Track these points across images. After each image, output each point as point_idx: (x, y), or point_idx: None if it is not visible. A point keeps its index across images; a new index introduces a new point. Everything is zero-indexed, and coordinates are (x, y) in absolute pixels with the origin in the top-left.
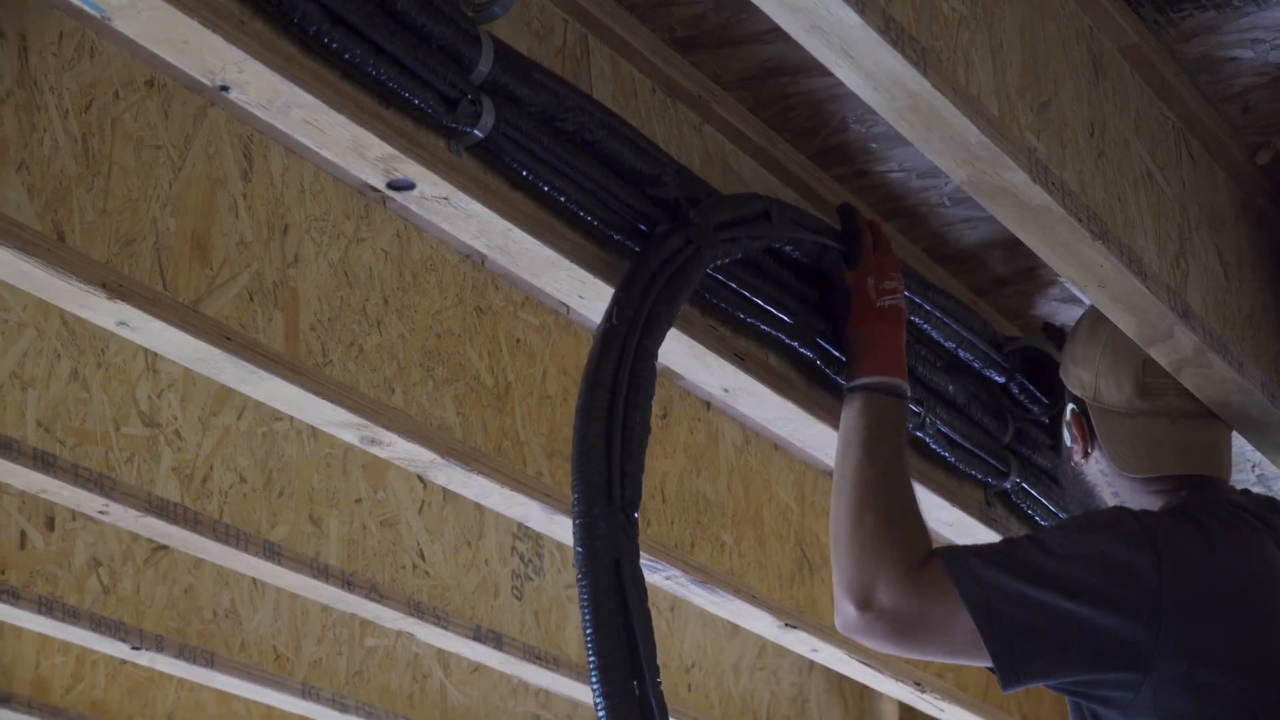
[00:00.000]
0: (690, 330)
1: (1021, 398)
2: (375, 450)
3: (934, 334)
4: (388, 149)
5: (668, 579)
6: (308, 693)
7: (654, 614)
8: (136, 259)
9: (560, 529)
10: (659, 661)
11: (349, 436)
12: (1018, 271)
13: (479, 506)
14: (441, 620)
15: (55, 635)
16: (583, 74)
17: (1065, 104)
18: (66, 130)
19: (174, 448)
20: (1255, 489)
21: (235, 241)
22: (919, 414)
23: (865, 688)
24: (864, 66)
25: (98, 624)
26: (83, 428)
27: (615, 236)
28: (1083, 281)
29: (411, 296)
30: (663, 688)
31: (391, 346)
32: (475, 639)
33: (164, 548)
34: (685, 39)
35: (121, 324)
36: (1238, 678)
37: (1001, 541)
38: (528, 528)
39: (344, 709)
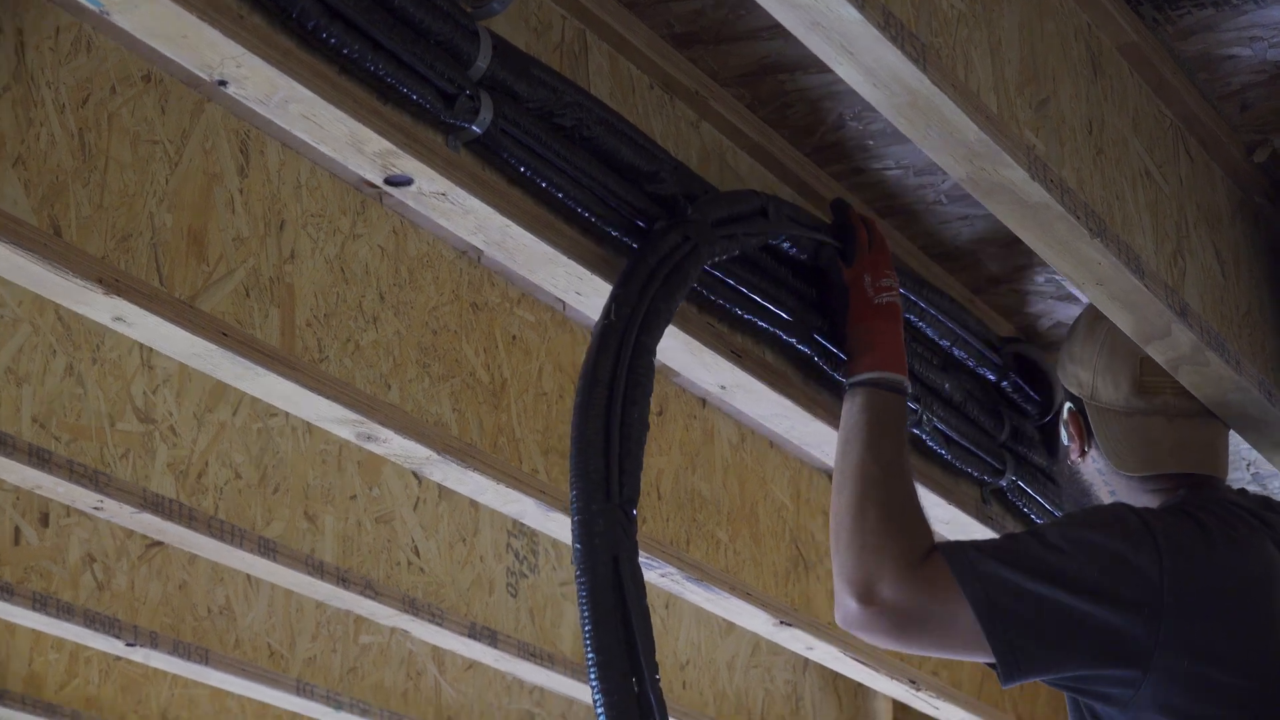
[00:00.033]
0: (687, 327)
1: (1015, 397)
2: (371, 447)
3: (929, 331)
4: (386, 144)
5: (663, 576)
6: (302, 690)
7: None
8: (133, 254)
9: (556, 526)
10: None
11: (345, 433)
12: (1013, 269)
13: (474, 503)
14: (436, 617)
15: (49, 632)
16: (580, 70)
17: (1064, 101)
18: (63, 125)
19: (169, 444)
20: (1250, 488)
21: (232, 237)
22: (916, 411)
23: (860, 686)
24: (864, 63)
25: (92, 620)
26: (78, 423)
27: (613, 233)
28: (1080, 279)
29: (408, 293)
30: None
31: (388, 343)
32: (470, 636)
33: (158, 544)
34: (683, 35)
35: (118, 319)
36: (1237, 676)
37: (1003, 536)
38: (522, 525)
39: (338, 706)
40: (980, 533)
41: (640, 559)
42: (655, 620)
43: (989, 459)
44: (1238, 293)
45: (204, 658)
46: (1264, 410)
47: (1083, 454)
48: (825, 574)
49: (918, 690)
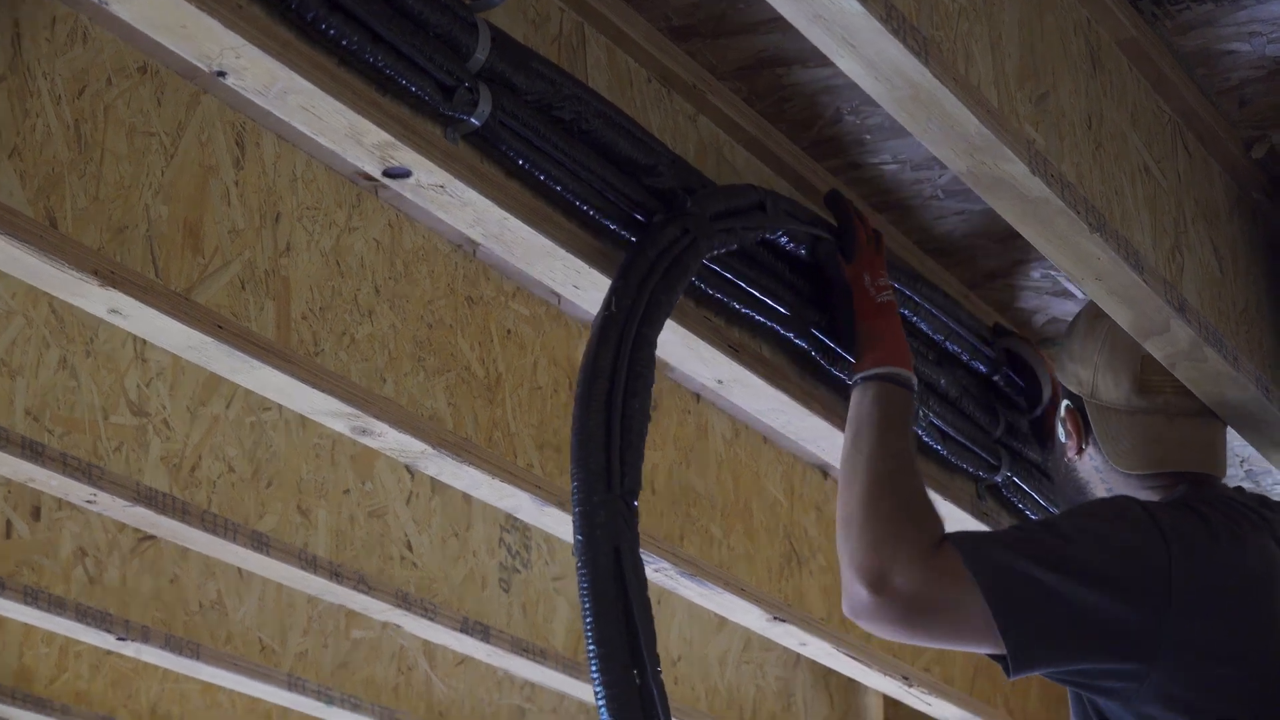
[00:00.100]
0: (684, 321)
1: (1008, 391)
2: (366, 440)
3: (924, 326)
4: (384, 136)
5: (657, 571)
6: (293, 684)
7: None
8: (128, 246)
9: (550, 520)
10: None
11: (340, 426)
12: (1009, 265)
13: (467, 498)
14: (429, 612)
15: (40, 625)
16: (579, 63)
17: (1063, 96)
18: (59, 116)
19: (162, 437)
20: (1244, 485)
21: (227, 230)
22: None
23: (851, 682)
24: (865, 56)
25: (83, 614)
26: (71, 416)
27: (610, 226)
28: (1080, 274)
29: (403, 286)
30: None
31: (383, 336)
32: (462, 631)
33: (150, 538)
34: (681, 28)
35: (113, 312)
36: (1239, 673)
37: (1012, 526)
38: (515, 520)
39: (329, 701)
40: (975, 528)
41: None
42: None
43: (984, 455)
44: (1235, 289)
45: (195, 652)
46: (1261, 406)
47: (1080, 452)
48: (819, 569)
49: (910, 686)
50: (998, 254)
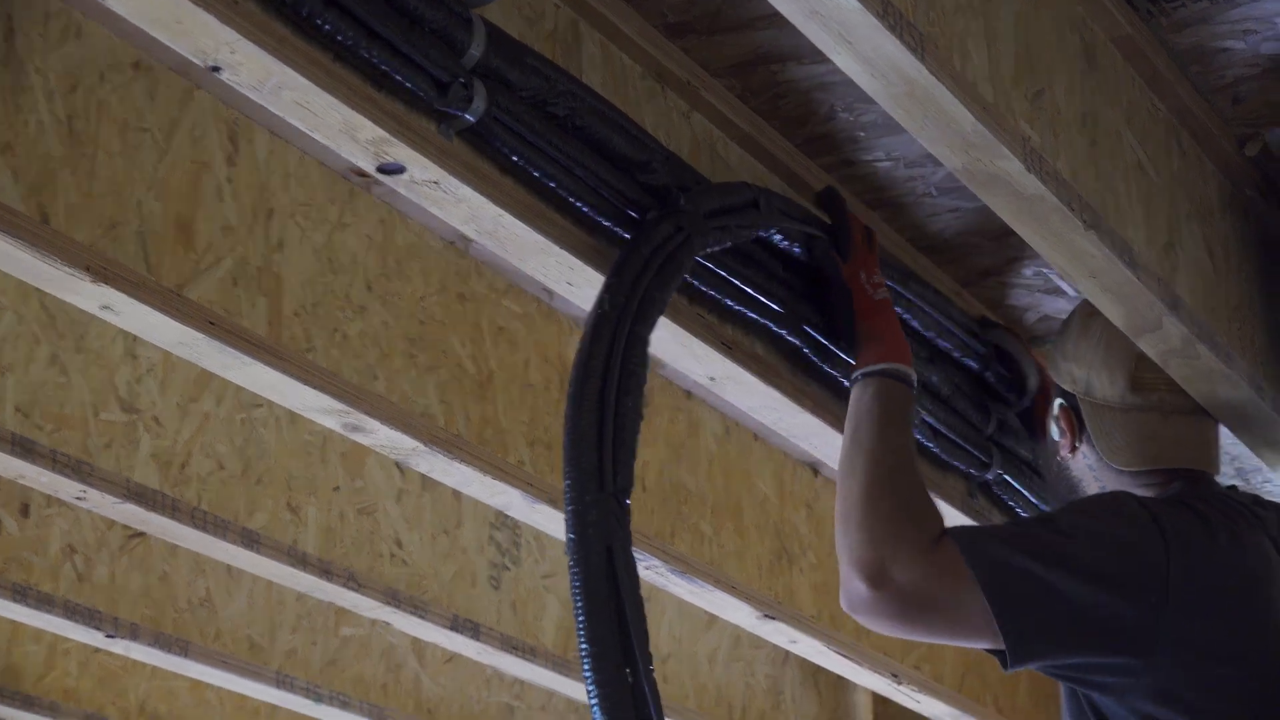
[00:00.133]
0: (678, 318)
1: (998, 387)
2: (357, 437)
3: (915, 324)
4: (379, 132)
5: (647, 569)
6: (282, 682)
7: None
8: (121, 242)
9: (541, 518)
10: None
11: (331, 423)
12: (1002, 262)
13: (457, 495)
14: (419, 609)
15: (29, 623)
16: (573, 59)
17: (1058, 94)
18: (52, 112)
19: (153, 434)
20: (1234, 482)
21: (220, 226)
22: None
23: (840, 680)
24: (862, 52)
25: (72, 611)
26: (61, 413)
27: (604, 223)
28: (1074, 272)
29: (395, 283)
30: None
31: (375, 333)
32: (452, 628)
33: (140, 535)
34: (676, 25)
35: (105, 308)
36: (1237, 671)
37: (1011, 522)
38: (505, 517)
39: (318, 698)
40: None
41: None
42: None
43: (976, 453)
44: (1228, 286)
45: (184, 650)
46: (1254, 404)
47: (1073, 450)
48: (809, 567)
49: (899, 684)
50: (991, 251)
